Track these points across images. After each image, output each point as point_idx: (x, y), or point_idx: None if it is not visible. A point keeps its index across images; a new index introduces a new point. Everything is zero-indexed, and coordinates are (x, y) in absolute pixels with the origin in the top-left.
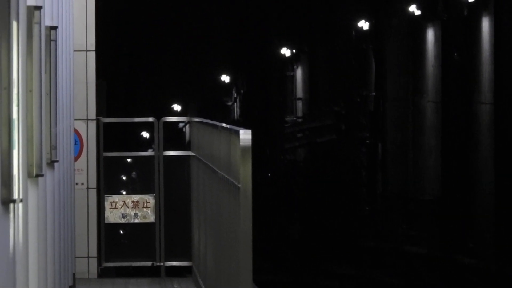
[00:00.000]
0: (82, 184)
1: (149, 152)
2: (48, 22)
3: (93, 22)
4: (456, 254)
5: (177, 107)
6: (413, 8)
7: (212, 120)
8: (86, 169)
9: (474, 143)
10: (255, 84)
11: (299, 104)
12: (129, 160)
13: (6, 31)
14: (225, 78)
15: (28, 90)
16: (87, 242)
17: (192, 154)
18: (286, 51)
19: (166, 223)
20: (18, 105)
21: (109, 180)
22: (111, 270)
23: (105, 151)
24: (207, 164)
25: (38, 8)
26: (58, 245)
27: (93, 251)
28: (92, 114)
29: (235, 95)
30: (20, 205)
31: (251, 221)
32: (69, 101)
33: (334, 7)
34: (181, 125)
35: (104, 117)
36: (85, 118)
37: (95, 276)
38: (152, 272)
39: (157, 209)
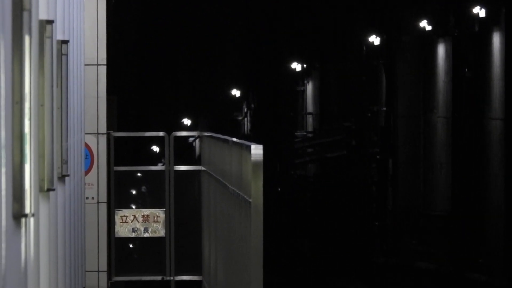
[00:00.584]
0: (93, 198)
1: (160, 167)
2: (59, 36)
3: (104, 36)
4: (466, 270)
5: (187, 122)
6: (424, 24)
7: (222, 134)
8: (96, 183)
9: (485, 158)
10: (266, 99)
11: (310, 119)
12: (139, 174)
13: (19, 46)
14: (236, 93)
15: (39, 105)
16: (97, 256)
17: (203, 168)
18: (296, 66)
19: (176, 237)
20: (30, 119)
21: (119, 195)
22: (121, 284)
23: (116, 165)
24: (217, 178)
25: (50, 22)
26: (68, 259)
27: (103, 265)
28: (103, 128)
29: (245, 110)
30: (32, 219)
31: (262, 235)
32: (80, 115)
33: (345, 23)
34: (191, 139)
35: (114, 131)
36: (96, 132)
37: None
38: (162, 287)
39: (168, 224)
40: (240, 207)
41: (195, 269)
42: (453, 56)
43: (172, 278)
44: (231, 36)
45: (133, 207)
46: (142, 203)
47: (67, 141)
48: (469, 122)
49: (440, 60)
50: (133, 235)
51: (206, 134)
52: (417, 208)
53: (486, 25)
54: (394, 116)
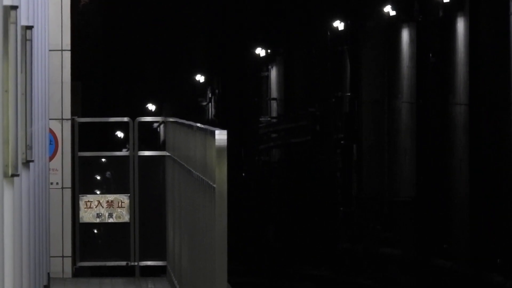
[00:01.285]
0: (57, 184)
1: (124, 152)
2: (24, 21)
3: (69, 22)
4: (431, 255)
5: (151, 107)
6: (388, 9)
7: (187, 120)
8: (61, 169)
9: (449, 144)
10: (230, 84)
11: (274, 105)
12: (104, 160)
13: None
14: (200, 78)
15: (4, 90)
16: (62, 241)
17: (167, 154)
18: (261, 51)
19: (140, 223)
20: None
21: (84, 180)
22: (86, 269)
23: (80, 151)
24: (182, 164)
25: (14, 8)
26: (33, 244)
27: (68, 251)
28: (67, 114)
29: (210, 95)
30: None
31: (227, 221)
32: (45, 101)
33: (309, 8)
34: (155, 125)
35: (79, 117)
36: (60, 118)
37: (70, 275)
38: (127, 272)
39: (132, 209)
40: (204, 192)
41: (160, 255)
42: (418, 42)
43: (136, 263)
44: (195, 21)
45: (98, 192)
46: (106, 189)
47: (31, 126)
48: (433, 107)
49: (405, 46)
50: (98, 220)
51: (171, 119)
52: (382, 194)
53: (450, 11)
54: (359, 101)
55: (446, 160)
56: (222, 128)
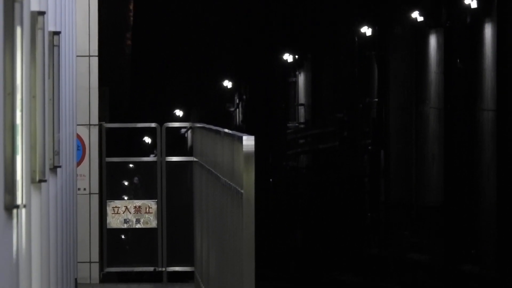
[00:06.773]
0: (84, 189)
1: (152, 158)
2: (51, 27)
3: (96, 28)
4: (458, 261)
5: (179, 113)
6: (416, 15)
7: (214, 126)
8: (88, 174)
9: (477, 150)
10: (258, 90)
11: (302, 110)
12: (131, 165)
13: (10, 37)
14: (228, 84)
15: (31, 96)
16: (89, 247)
17: (195, 159)
18: (288, 57)
19: (168, 228)
20: (21, 111)
21: (111, 186)
22: (113, 275)
23: (108, 156)
24: (209, 170)
25: (42, 13)
26: (60, 250)
27: (95, 256)
28: (95, 119)
29: (237, 101)
30: (23, 210)
31: (254, 227)
32: (72, 106)
33: (337, 14)
34: (183, 130)
35: (106, 122)
36: (88, 123)
37: (97, 281)
38: (154, 278)
39: (159, 215)
40: (232, 198)
41: (187, 260)
42: (445, 47)
43: (164, 269)
44: (223, 27)
45: (125, 198)
46: (134, 194)
47: (59, 132)
48: (461, 113)
49: (432, 51)
50: (125, 226)
51: (198, 125)
52: (409, 199)
53: (478, 16)
54: (386, 107)
55: (474, 166)
56: (250, 133)
